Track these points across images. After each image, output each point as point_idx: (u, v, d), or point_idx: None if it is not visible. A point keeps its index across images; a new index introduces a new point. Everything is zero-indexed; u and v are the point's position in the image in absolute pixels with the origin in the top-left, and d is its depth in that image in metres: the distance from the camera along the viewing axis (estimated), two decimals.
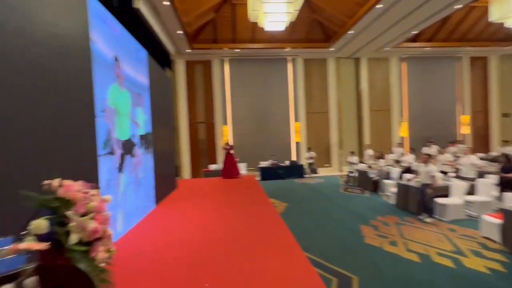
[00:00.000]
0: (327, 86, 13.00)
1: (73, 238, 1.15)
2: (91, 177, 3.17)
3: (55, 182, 1.25)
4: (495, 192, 5.37)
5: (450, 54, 13.19)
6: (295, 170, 11.51)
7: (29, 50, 2.27)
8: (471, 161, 6.67)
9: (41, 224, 1.11)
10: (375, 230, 4.73)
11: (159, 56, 8.37)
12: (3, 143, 1.93)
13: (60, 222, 1.16)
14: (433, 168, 5.54)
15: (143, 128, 5.46)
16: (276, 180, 10.97)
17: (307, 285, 2.63)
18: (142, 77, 5.54)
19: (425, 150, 8.47)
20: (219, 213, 5.23)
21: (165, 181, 6.95)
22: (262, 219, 4.80)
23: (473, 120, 13.55)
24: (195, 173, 12.27)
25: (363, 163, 9.89)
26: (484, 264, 3.38)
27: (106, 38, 3.92)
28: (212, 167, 11.62)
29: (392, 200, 6.46)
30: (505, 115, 13.49)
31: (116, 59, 4.34)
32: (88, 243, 1.20)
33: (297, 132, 12.71)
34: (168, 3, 7.39)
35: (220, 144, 12.14)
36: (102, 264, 1.26)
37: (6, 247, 1.02)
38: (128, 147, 4.61)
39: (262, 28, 9.03)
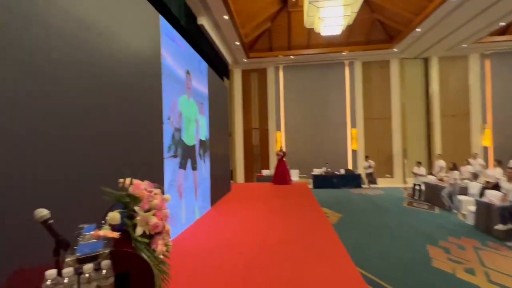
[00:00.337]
0: (389, 90, 12.03)
1: (139, 231, 1.33)
2: (157, 177, 3.58)
3: (127, 180, 1.47)
4: None
5: None
6: (351, 179, 10.90)
7: (113, 69, 2.72)
8: None
9: (115, 216, 1.32)
10: (446, 253, 4.14)
11: (218, 67, 8.97)
12: (93, 147, 2.34)
13: (129, 215, 1.36)
14: None
15: (203, 134, 5.92)
16: (330, 188, 10.56)
17: None
18: (203, 87, 6.03)
19: None
20: (270, 219, 5.27)
21: (220, 184, 7.35)
22: (314, 228, 4.67)
23: None
24: (248, 177, 12.64)
25: (432, 175, 8.79)
26: None
27: (174, 54, 4.40)
28: (265, 172, 11.81)
29: (470, 221, 5.58)
30: None
31: (188, 73, 4.87)
32: (150, 236, 1.37)
33: (353, 139, 12.03)
34: (227, 17, 7.89)
35: (273, 149, 12.29)
36: (161, 256, 1.43)
37: (90, 232, 1.24)
38: (191, 151, 5.06)
39: (318, 34, 8.90)
